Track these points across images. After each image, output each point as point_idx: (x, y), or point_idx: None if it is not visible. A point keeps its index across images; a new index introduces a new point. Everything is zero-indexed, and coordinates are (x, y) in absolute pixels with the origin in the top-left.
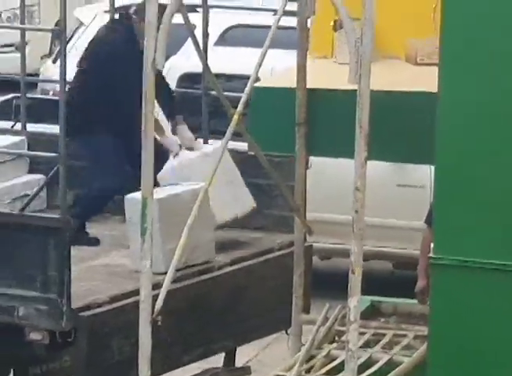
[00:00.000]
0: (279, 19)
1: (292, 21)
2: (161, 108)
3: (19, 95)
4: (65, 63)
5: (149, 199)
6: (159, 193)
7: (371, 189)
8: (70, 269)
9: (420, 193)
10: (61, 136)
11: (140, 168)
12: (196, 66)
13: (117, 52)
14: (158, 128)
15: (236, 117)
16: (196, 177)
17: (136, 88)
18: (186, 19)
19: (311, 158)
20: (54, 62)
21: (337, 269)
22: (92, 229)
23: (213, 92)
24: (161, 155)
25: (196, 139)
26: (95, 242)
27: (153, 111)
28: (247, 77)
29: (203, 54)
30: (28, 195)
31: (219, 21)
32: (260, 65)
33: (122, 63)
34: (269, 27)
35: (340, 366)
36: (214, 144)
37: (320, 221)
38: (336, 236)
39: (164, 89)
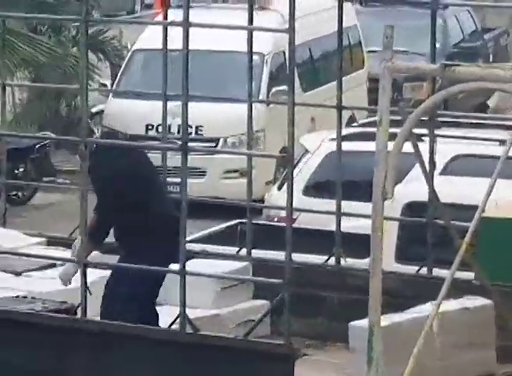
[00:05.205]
0: (508, 150)
1: None
2: None
3: (244, 220)
4: (292, 189)
5: (376, 328)
6: (383, 321)
7: None
8: None
9: None
10: (287, 263)
11: None
12: (421, 195)
13: None
14: None
15: (463, 246)
16: (453, 329)
17: None
18: (416, 147)
19: None
20: (279, 188)
21: None
22: (318, 356)
23: (438, 221)
24: None
25: (421, 267)
26: None
27: None
28: (470, 207)
29: (432, 183)
30: (252, 320)
31: (444, 150)
32: (488, 195)
33: None
34: (494, 157)
35: None
36: (478, 300)
37: None
38: None
39: None
